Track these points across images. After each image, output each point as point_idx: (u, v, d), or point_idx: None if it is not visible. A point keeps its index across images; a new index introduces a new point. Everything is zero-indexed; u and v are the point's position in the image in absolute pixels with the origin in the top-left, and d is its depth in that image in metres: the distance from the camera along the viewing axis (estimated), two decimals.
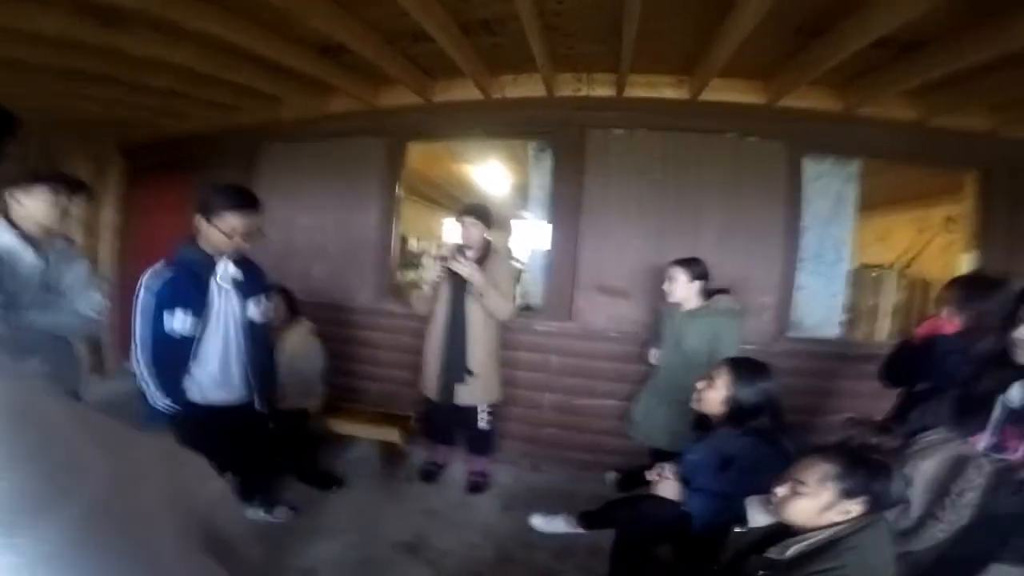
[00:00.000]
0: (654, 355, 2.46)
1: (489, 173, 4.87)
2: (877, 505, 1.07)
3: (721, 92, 2.74)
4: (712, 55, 2.31)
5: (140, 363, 1.84)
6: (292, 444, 2.58)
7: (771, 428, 1.64)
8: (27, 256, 1.73)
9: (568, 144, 2.97)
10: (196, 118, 3.60)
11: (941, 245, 5.09)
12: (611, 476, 2.83)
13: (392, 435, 2.80)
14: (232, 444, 2.07)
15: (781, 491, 1.14)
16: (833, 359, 2.84)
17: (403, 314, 3.09)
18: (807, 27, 2.11)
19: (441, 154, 4.53)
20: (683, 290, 2.29)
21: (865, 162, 2.94)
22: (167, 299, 1.82)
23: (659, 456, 2.29)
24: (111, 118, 3.39)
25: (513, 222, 5.02)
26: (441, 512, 2.51)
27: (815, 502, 1.08)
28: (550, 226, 3.05)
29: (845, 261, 3.05)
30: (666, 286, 2.33)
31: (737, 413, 1.65)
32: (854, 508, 1.07)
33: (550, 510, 2.41)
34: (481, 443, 2.77)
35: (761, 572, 1.13)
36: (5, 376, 0.39)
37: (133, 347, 1.85)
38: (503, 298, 2.53)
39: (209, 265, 1.89)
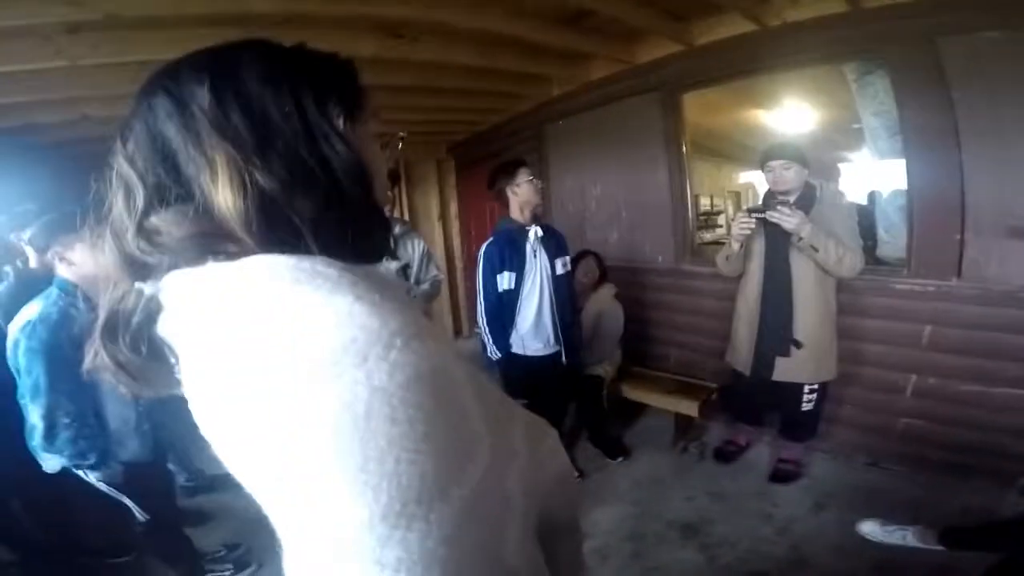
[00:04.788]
0: None
1: (786, 113, 4.06)
2: None
3: None
4: None
5: (482, 319, 2.27)
6: (587, 406, 2.69)
7: None
8: None
9: (910, 59, 2.19)
10: (491, 111, 4.10)
11: None
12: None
13: (688, 407, 2.61)
14: (545, 394, 2.29)
15: None
16: None
17: (706, 275, 2.83)
18: None
19: (722, 102, 3.99)
20: None
21: None
22: (496, 264, 2.20)
23: None
24: (437, 122, 4.11)
25: (840, 164, 4.05)
26: (732, 497, 2.27)
27: None
28: (903, 161, 2.29)
29: None
30: None
31: None
32: None
33: (885, 516, 1.91)
34: (800, 427, 2.36)
35: None
36: (429, 335, 0.34)
37: (478, 306, 2.30)
38: (847, 249, 2.02)
39: (522, 232, 2.20)
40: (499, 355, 2.25)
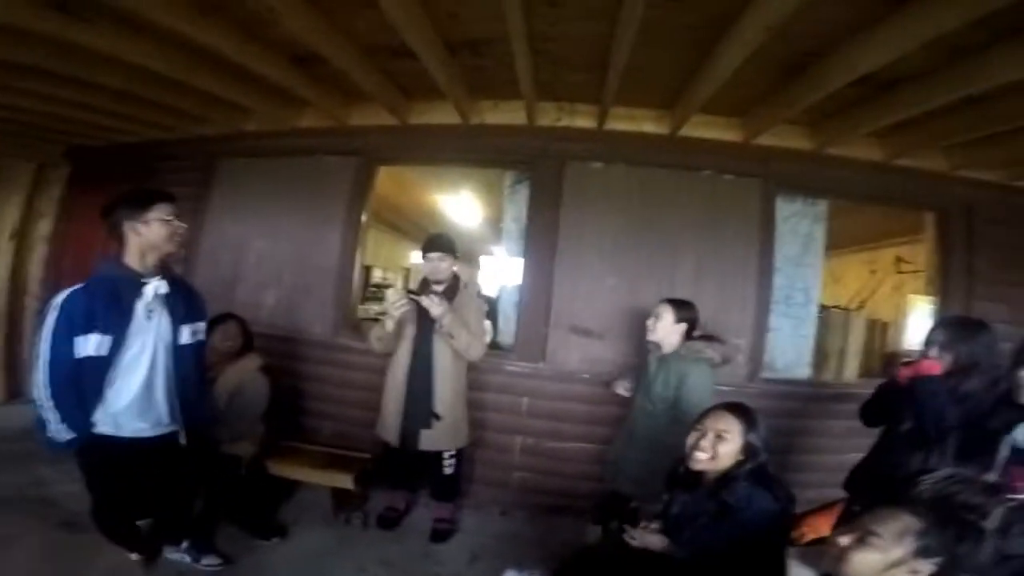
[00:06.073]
0: (621, 387, 2.35)
1: (460, 204, 4.76)
2: (953, 569, 0.93)
3: (700, 128, 2.73)
4: (695, 91, 2.29)
5: (42, 390, 1.62)
6: (224, 489, 2.30)
7: (765, 473, 1.54)
8: None
9: (546, 176, 2.88)
10: (155, 125, 3.31)
11: (893, 285, 5.31)
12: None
13: (343, 480, 2.53)
14: (151, 480, 1.86)
15: (845, 540, 1.00)
16: (804, 399, 2.80)
17: (361, 350, 2.86)
18: (791, 65, 2.11)
19: (411, 180, 4.37)
20: (665, 330, 2.12)
21: (832, 202, 2.96)
22: (79, 321, 1.62)
23: (626, 502, 2.14)
24: (59, 117, 3.10)
25: (481, 257, 4.87)
26: (401, 562, 2.30)
27: (884, 557, 0.94)
28: (523, 261, 2.93)
29: (814, 303, 3.02)
30: (650, 322, 2.16)
31: (743, 461, 1.54)
32: (924, 568, 0.93)
33: (521, 559, 2.23)
34: (446, 489, 2.57)
35: None
36: None
37: (35, 372, 1.64)
38: (475, 337, 2.37)
39: (134, 284, 1.70)
40: (73, 436, 1.65)
